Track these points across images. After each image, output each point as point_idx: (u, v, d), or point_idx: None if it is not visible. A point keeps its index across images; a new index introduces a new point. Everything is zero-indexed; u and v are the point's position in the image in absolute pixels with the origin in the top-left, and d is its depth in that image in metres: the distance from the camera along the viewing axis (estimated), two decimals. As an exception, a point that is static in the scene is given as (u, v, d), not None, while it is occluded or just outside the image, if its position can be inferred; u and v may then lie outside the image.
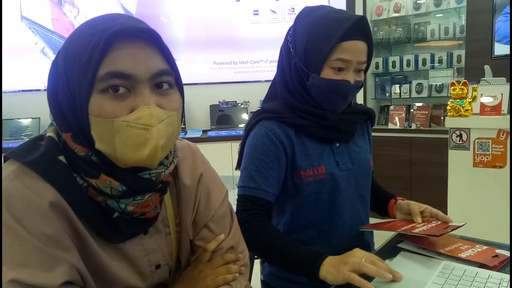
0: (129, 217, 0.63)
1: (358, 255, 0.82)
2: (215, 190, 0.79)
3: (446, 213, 1.04)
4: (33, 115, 3.24)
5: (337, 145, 1.08)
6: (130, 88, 0.57)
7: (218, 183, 0.81)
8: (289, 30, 1.07)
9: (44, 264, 0.54)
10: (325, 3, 3.56)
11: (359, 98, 3.44)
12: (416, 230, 0.93)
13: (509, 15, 2.41)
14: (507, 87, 2.05)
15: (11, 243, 0.54)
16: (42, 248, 0.54)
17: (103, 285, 0.64)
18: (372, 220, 1.17)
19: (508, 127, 1.89)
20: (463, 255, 0.89)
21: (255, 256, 1.26)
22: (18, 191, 0.55)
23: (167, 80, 0.61)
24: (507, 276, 0.79)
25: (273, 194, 1.01)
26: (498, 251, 0.92)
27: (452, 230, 0.95)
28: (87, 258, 0.61)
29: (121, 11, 3.36)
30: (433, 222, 1.01)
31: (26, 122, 3.24)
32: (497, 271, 0.83)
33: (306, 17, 1.02)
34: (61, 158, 0.60)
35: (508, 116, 1.99)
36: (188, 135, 3.20)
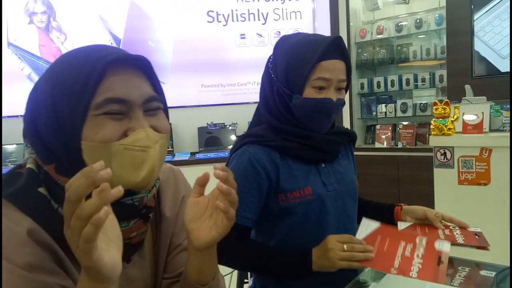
0: None
1: (337, 244, 0.92)
2: None
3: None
4: (18, 141, 3.20)
5: (323, 165, 1.09)
6: (125, 113, 0.59)
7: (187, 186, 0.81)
8: (269, 58, 1.11)
9: None
10: (310, 25, 3.65)
11: (346, 118, 3.49)
12: (414, 274, 0.88)
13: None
14: (488, 105, 2.10)
15: (3, 278, 0.53)
16: (28, 277, 0.54)
17: None
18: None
19: (490, 144, 1.93)
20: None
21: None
22: None
23: (158, 105, 0.64)
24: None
25: (251, 219, 1.03)
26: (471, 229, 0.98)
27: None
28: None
29: (109, 37, 3.39)
30: (416, 240, 0.99)
31: (11, 148, 3.20)
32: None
33: (285, 44, 1.06)
34: (41, 190, 0.59)
35: (490, 134, 2.03)
36: (176, 158, 3.19)
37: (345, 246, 0.91)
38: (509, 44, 2.61)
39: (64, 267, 0.59)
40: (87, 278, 0.51)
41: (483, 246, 0.93)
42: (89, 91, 0.56)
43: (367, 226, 1.03)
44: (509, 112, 2.07)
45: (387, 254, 0.96)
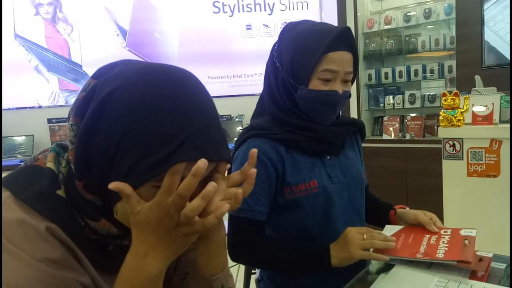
0: (124, 249, 0.60)
1: (357, 234, 0.91)
2: None
3: (442, 222, 1.03)
4: (27, 132, 3.23)
5: (328, 158, 1.08)
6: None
7: None
8: (274, 45, 1.08)
9: (55, 286, 0.54)
10: (317, 16, 3.61)
11: (353, 110, 3.46)
12: (441, 255, 0.88)
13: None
14: (498, 96, 2.07)
15: (19, 270, 0.52)
16: (48, 271, 0.53)
17: None
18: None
19: (500, 136, 1.90)
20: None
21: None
22: (12, 219, 0.54)
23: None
24: (502, 288, 0.79)
25: (265, 213, 1.02)
26: (479, 253, 0.92)
27: (474, 246, 0.92)
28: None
29: (115, 28, 3.39)
30: (441, 232, 0.99)
31: (20, 139, 3.23)
32: (488, 281, 0.83)
33: (291, 31, 1.03)
34: (60, 192, 0.58)
35: (500, 126, 2.01)
36: (183, 150, 3.20)
37: (364, 236, 0.90)
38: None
39: (82, 264, 0.59)
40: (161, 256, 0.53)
41: (465, 262, 0.84)
42: (164, 166, 0.51)
43: (391, 229, 1.04)
44: (519, 103, 2.04)
45: (412, 244, 0.96)
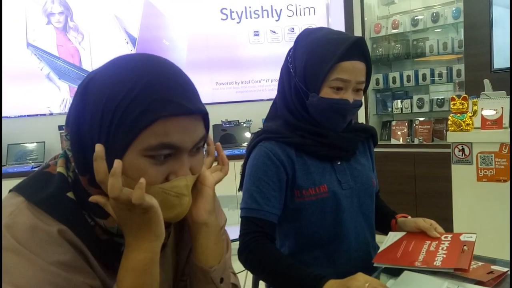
0: None
1: (361, 280, 0.80)
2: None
3: (452, 228, 1.03)
4: (38, 139, 3.28)
5: (339, 163, 1.08)
6: (172, 154, 0.58)
7: (219, 212, 0.81)
8: (289, 51, 1.09)
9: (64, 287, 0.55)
10: (324, 21, 3.62)
11: (361, 115, 3.45)
12: (438, 263, 0.88)
13: None
14: (507, 100, 2.06)
15: (31, 272, 0.54)
16: (60, 274, 0.55)
17: None
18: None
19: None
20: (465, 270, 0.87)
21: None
22: (25, 224, 0.56)
23: (203, 143, 0.63)
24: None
25: (276, 214, 1.02)
26: (494, 267, 0.91)
27: (472, 253, 0.91)
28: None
29: (125, 36, 3.44)
30: (442, 238, 1.00)
31: (31, 146, 3.28)
32: (493, 287, 0.82)
33: (306, 38, 1.05)
34: (70, 194, 0.60)
35: (510, 130, 1.99)
36: (191, 155, 3.22)
37: (367, 285, 0.79)
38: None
39: (92, 266, 0.60)
40: (143, 238, 0.57)
41: (462, 269, 0.84)
42: (140, 128, 0.54)
43: (394, 236, 1.05)
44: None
45: (412, 252, 0.97)
